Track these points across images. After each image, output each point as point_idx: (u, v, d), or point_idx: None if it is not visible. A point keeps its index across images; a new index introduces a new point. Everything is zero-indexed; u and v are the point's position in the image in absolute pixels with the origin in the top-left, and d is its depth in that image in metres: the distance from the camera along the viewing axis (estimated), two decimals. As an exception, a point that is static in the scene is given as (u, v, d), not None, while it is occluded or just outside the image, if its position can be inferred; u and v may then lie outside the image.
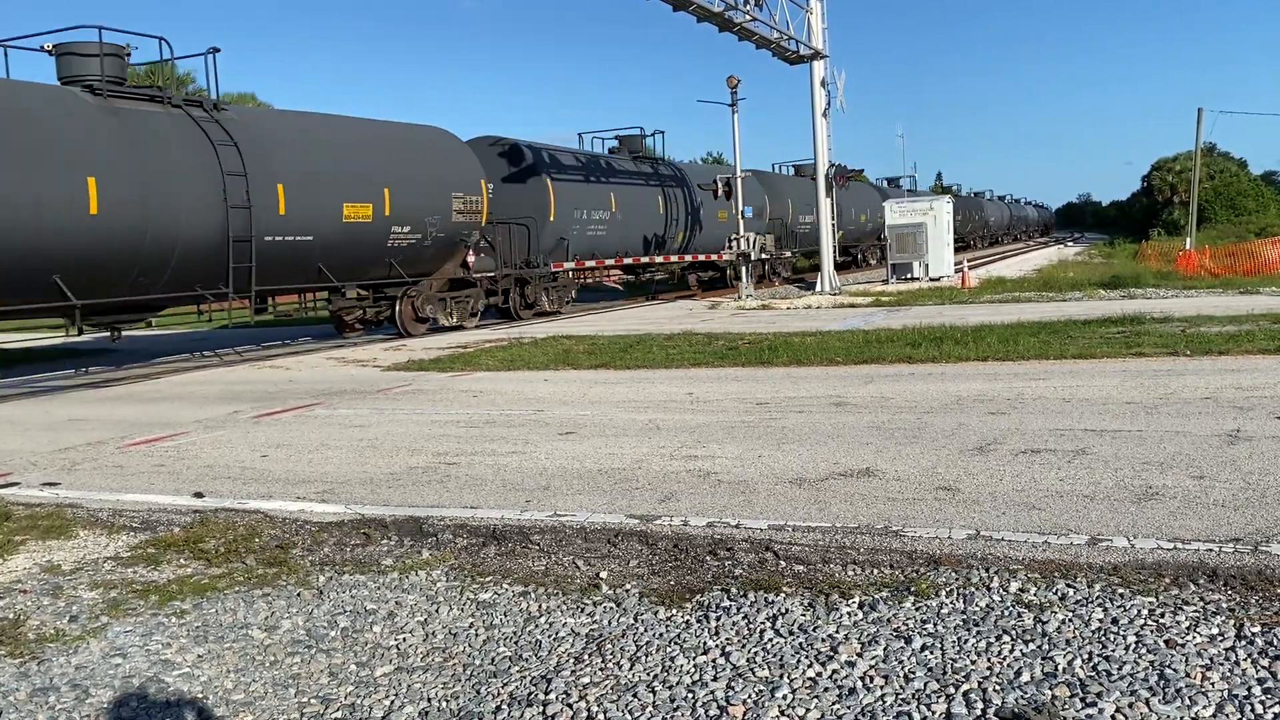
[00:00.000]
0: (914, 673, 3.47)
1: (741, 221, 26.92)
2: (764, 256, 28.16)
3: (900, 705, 3.24)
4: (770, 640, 3.83)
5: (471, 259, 20.09)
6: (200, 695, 3.67)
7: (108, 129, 13.60)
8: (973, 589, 4.19)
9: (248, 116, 16.75)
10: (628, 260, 26.78)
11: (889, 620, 3.94)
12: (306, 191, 16.17)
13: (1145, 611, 3.85)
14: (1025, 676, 3.39)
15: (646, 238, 27.67)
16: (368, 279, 18.55)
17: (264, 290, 16.29)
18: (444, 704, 3.50)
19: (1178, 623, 3.74)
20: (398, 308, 19.16)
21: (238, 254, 15.03)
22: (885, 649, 3.67)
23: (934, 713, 3.18)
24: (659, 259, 28.29)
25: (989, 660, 3.54)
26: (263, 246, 15.39)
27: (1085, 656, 3.51)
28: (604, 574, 4.71)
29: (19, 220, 12.32)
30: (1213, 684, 3.25)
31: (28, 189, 12.37)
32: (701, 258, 30.24)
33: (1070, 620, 3.82)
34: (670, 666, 3.66)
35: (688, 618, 4.11)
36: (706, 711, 3.30)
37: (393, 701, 3.54)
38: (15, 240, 12.33)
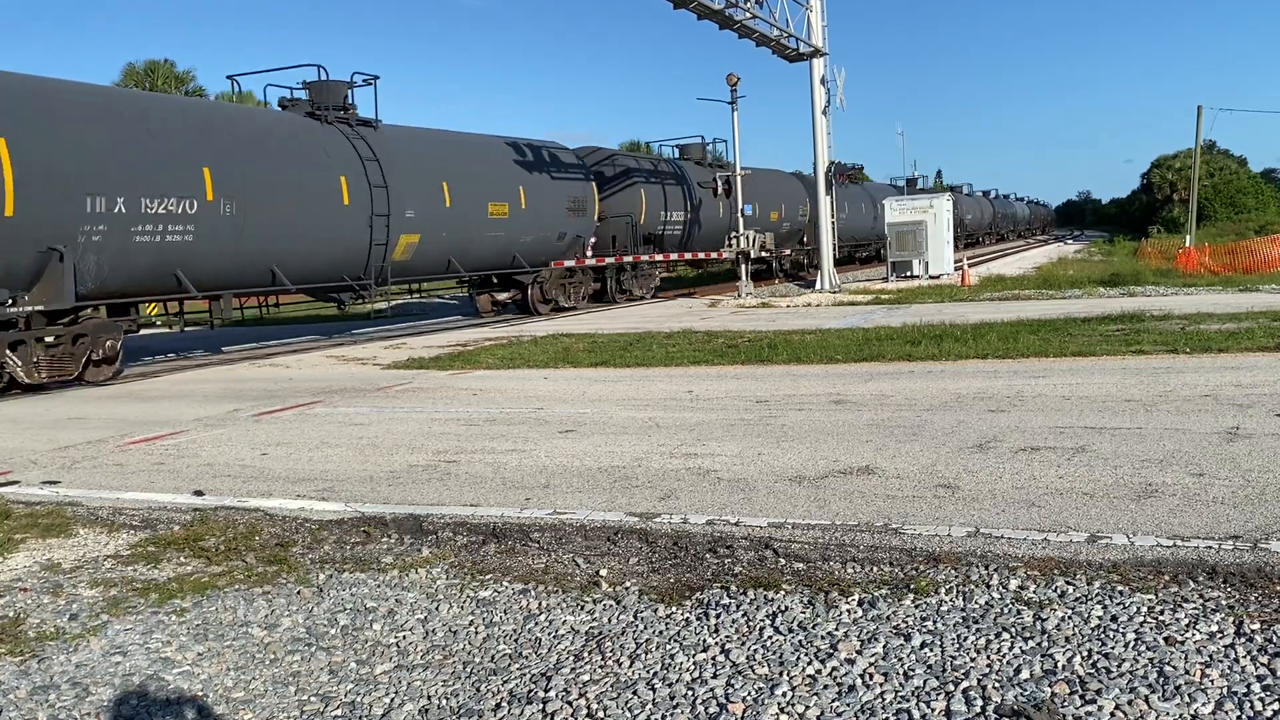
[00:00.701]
0: (913, 670, 3.47)
1: (741, 219, 26.93)
2: (765, 254, 28.13)
3: (900, 703, 3.24)
4: (770, 638, 3.83)
5: None
6: (200, 693, 3.67)
7: None
8: (972, 586, 4.20)
9: None
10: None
11: (888, 618, 3.94)
12: None
13: (1145, 609, 3.85)
14: (1025, 674, 3.39)
15: (289, 248, 16.03)
16: None
17: None
18: (444, 702, 3.50)
19: (1177, 620, 3.74)
20: None
21: None
22: (885, 646, 3.68)
23: (933, 710, 3.18)
24: (356, 281, 17.31)
25: (988, 658, 3.54)
26: None
27: (1085, 654, 3.51)
28: (604, 571, 4.71)
29: None
30: (1212, 681, 3.25)
31: None
32: (495, 273, 21.29)
33: (1070, 618, 3.82)
34: (670, 664, 3.66)
35: (687, 615, 4.12)
36: (706, 709, 3.30)
37: (393, 699, 3.54)
38: None
